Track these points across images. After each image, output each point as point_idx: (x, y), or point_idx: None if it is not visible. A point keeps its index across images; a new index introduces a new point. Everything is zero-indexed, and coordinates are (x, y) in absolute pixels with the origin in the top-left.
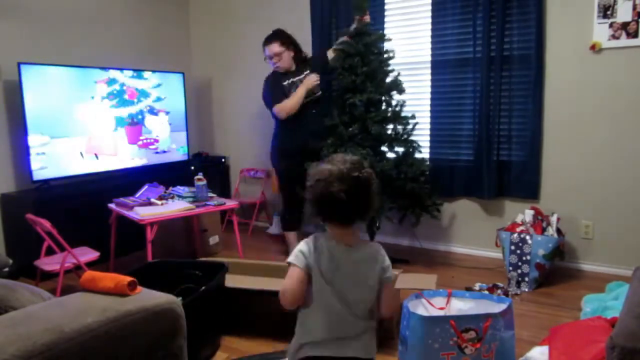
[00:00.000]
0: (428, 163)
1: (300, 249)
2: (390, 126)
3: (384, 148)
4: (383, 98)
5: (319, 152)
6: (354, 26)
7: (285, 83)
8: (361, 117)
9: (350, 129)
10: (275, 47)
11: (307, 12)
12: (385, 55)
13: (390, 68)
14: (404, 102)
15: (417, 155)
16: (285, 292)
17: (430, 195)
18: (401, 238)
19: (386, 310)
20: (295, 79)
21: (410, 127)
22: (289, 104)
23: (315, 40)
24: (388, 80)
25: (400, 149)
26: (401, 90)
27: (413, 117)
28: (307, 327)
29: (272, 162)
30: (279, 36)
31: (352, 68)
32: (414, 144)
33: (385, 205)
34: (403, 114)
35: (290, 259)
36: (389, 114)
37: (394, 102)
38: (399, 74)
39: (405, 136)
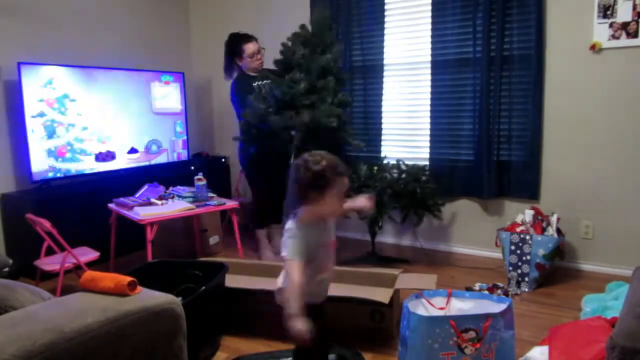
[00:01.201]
0: (427, 163)
1: (298, 244)
2: None
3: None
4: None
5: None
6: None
7: (255, 84)
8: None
9: None
10: (257, 45)
11: (307, 13)
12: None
13: None
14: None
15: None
16: (297, 285)
17: (433, 195)
18: (402, 238)
19: None
20: (262, 82)
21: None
22: None
23: None
24: None
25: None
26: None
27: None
28: (309, 293)
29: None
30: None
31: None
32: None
33: (388, 205)
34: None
35: (291, 254)
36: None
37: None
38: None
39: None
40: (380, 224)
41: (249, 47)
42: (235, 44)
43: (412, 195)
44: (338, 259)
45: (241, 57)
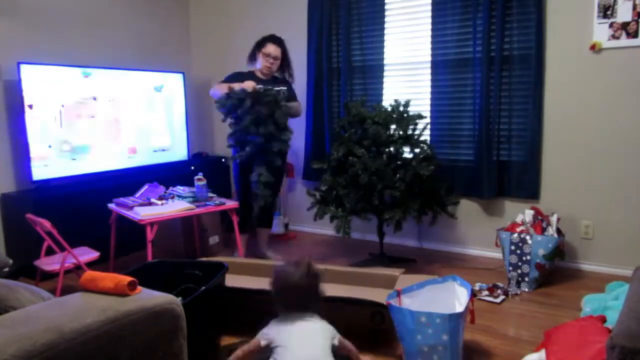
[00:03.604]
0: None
1: None
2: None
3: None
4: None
5: None
6: None
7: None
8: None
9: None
10: (279, 52)
11: (305, 14)
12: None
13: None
14: (407, 101)
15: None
16: None
17: (448, 193)
18: (404, 239)
19: None
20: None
21: (420, 127)
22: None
23: (311, 45)
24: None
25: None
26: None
27: (420, 116)
28: None
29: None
30: (283, 44)
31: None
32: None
33: (412, 205)
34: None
35: None
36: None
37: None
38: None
39: (417, 137)
40: (401, 226)
41: (268, 47)
42: (263, 39)
43: (432, 193)
44: (348, 260)
45: (259, 51)
